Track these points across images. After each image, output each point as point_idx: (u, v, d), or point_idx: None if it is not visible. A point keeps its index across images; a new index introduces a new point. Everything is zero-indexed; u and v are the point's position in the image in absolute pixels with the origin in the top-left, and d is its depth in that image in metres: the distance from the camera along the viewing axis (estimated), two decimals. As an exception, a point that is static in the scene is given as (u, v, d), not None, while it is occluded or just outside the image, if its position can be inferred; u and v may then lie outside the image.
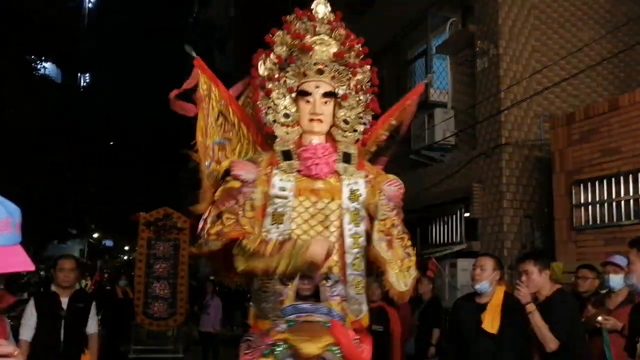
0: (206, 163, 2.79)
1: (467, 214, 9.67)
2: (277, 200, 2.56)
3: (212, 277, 11.19)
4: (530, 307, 3.64)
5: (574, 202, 7.61)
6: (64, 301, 4.65)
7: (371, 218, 2.62)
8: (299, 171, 2.62)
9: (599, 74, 9.43)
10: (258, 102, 2.73)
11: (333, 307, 2.41)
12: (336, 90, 2.72)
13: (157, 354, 11.08)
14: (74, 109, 20.11)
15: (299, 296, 2.43)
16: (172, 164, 31.09)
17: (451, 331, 4.43)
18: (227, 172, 2.60)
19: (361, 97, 2.77)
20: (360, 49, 2.80)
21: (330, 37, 2.74)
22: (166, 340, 11.63)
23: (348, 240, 2.56)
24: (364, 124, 2.76)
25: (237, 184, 2.51)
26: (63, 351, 4.55)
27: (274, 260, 2.23)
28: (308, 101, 2.67)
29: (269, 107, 2.71)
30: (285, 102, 2.71)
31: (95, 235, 38.24)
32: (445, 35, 10.76)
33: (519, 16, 9.29)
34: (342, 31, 2.76)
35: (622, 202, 7.08)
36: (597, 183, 7.38)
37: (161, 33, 36.82)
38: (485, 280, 3.82)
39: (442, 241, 10.41)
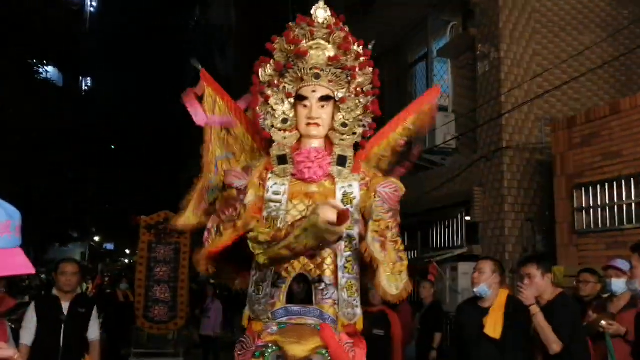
0: (210, 179, 2.80)
1: (468, 218, 9.67)
2: (272, 204, 2.56)
3: (212, 281, 11.19)
4: (535, 309, 3.63)
5: (575, 205, 7.61)
6: (65, 305, 4.63)
7: (366, 221, 2.60)
8: (292, 175, 2.62)
9: (600, 77, 9.43)
10: (257, 108, 2.73)
11: (325, 310, 2.41)
12: (335, 94, 2.71)
13: (158, 358, 11.06)
14: (74, 110, 20.11)
15: (291, 299, 2.43)
16: (172, 165, 31.12)
17: (454, 335, 4.42)
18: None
19: (361, 100, 2.75)
20: (360, 51, 2.78)
21: (328, 41, 2.72)
22: (167, 343, 11.60)
23: (341, 243, 2.55)
24: (364, 126, 2.75)
25: (234, 193, 2.52)
26: (63, 356, 4.53)
27: (292, 238, 2.19)
28: (305, 105, 2.66)
29: (267, 113, 2.71)
30: (283, 108, 2.71)
31: (97, 238, 38.27)
32: (446, 38, 10.77)
33: (519, 20, 9.29)
34: (341, 34, 2.75)
35: (624, 206, 7.08)
36: (598, 187, 7.38)
37: (161, 34, 36.82)
38: (484, 283, 3.80)
39: (443, 245, 10.40)
